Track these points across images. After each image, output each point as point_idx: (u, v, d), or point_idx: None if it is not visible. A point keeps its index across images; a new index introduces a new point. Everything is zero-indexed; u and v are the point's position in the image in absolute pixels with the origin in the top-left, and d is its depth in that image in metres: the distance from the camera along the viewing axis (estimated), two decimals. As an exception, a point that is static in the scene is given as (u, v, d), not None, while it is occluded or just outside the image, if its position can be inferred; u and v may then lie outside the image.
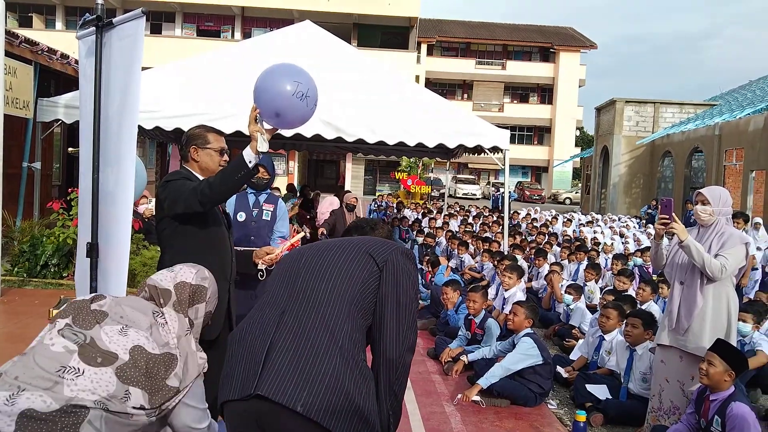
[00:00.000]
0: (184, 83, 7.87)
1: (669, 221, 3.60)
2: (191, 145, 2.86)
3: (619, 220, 17.53)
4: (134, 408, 1.77)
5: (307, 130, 7.42)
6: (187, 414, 1.96)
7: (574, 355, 5.36)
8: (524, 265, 8.04)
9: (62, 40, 20.34)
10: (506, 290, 6.40)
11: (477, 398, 4.47)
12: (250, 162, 2.61)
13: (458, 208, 18.69)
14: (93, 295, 2.00)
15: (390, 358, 1.89)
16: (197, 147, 2.85)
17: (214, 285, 2.20)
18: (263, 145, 2.59)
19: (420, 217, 16.01)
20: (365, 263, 1.93)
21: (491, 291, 7.31)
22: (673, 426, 3.46)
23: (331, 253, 1.97)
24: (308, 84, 2.71)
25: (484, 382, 4.44)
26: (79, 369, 1.74)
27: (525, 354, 4.46)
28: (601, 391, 4.43)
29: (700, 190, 3.79)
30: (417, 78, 34.69)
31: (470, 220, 15.65)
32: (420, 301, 7.47)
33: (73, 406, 1.68)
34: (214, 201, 2.65)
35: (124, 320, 1.90)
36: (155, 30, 32.09)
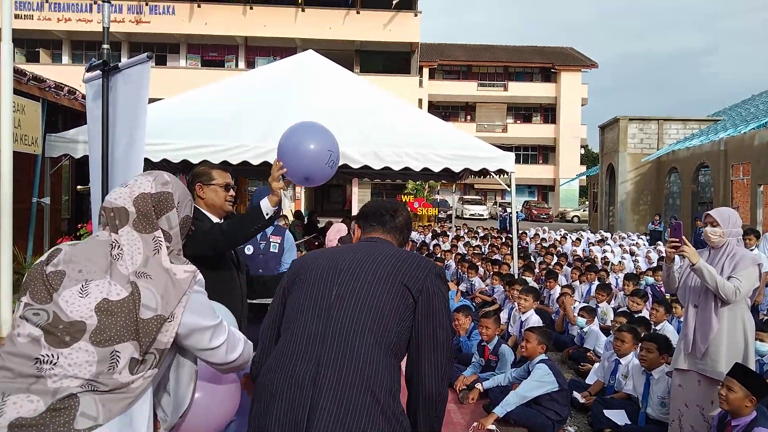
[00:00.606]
0: (190, 115, 7.93)
1: (679, 244, 3.57)
2: (196, 183, 2.86)
3: (628, 237, 17.44)
4: (129, 373, 1.62)
5: (313, 159, 7.44)
6: (193, 337, 1.78)
7: (590, 380, 5.29)
8: (535, 287, 7.98)
9: (69, 73, 20.65)
10: (523, 313, 6.35)
11: (492, 427, 4.40)
12: (267, 214, 2.62)
13: (466, 230, 18.64)
14: (49, 252, 1.76)
15: (429, 393, 1.84)
16: (202, 184, 2.86)
17: (181, 187, 1.93)
18: (285, 202, 2.61)
19: (428, 240, 15.99)
20: (401, 297, 1.83)
21: (503, 315, 7.24)
22: None
23: (364, 283, 1.83)
24: (337, 150, 2.82)
25: (499, 410, 4.37)
26: (52, 356, 1.59)
27: (540, 381, 4.40)
28: (619, 417, 4.35)
29: (709, 212, 3.76)
30: (420, 102, 34.98)
31: (478, 241, 15.61)
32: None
33: (59, 400, 1.56)
34: (226, 248, 2.65)
35: (83, 274, 1.68)
36: (160, 61, 32.53)
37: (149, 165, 8.14)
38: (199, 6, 30.43)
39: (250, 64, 31.47)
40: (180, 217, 1.87)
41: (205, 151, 7.00)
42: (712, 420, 3.60)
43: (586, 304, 7.36)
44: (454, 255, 11.83)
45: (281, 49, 30.53)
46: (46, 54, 33.28)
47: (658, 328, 5.82)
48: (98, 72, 2.69)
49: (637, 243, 15.27)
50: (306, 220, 13.92)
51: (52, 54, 33.55)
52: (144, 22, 30.84)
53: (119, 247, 1.73)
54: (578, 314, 6.55)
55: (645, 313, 6.32)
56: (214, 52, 33.23)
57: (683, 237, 3.59)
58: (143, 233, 1.77)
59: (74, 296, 1.64)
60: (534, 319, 6.26)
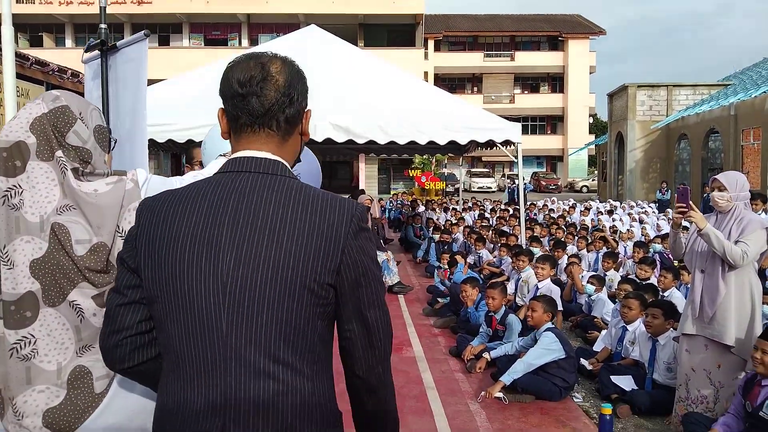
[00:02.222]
0: (194, 95, 7.92)
1: (686, 209, 3.56)
2: (186, 165, 2.91)
3: (637, 205, 17.35)
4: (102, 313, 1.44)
5: (318, 135, 7.44)
6: None
7: (597, 347, 5.32)
8: (551, 255, 7.98)
9: (73, 56, 20.60)
10: (539, 281, 6.40)
11: (500, 395, 4.46)
12: None
13: (472, 204, 18.60)
14: None
15: (368, 383, 1.39)
16: (190, 165, 2.90)
17: (76, 98, 1.69)
18: None
19: (440, 213, 15.98)
20: (309, 294, 1.22)
21: (510, 285, 7.28)
22: (721, 418, 3.41)
23: (258, 277, 1.21)
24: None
25: (506, 378, 4.42)
26: (26, 339, 1.51)
27: (547, 349, 4.43)
28: (626, 382, 4.39)
29: (716, 176, 3.73)
30: (425, 74, 34.63)
31: (486, 214, 15.59)
32: (439, 300, 7.47)
33: (73, 377, 1.52)
34: None
35: (2, 240, 1.53)
36: (163, 42, 32.37)
37: (154, 145, 8.18)
38: (200, -16, 30.15)
39: (254, 42, 31.24)
40: (90, 128, 1.66)
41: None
42: (719, 384, 3.63)
43: (595, 273, 7.37)
44: (462, 228, 11.83)
45: (284, 25, 30.26)
46: (49, 38, 33.18)
47: (666, 294, 5.83)
48: (97, 52, 2.70)
49: (646, 211, 15.19)
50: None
51: (55, 38, 33.45)
52: (146, 3, 30.63)
53: (19, 193, 1.52)
54: (587, 282, 6.57)
55: (653, 281, 6.33)
56: (216, 31, 33.00)
57: (690, 202, 3.58)
58: (50, 161, 1.56)
59: (5, 272, 1.52)
60: (553, 290, 6.30)
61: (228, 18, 31.87)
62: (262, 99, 1.29)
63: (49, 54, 20.74)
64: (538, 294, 6.14)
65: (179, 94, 8.08)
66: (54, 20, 32.21)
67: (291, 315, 1.21)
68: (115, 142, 1.93)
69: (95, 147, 1.67)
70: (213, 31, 32.96)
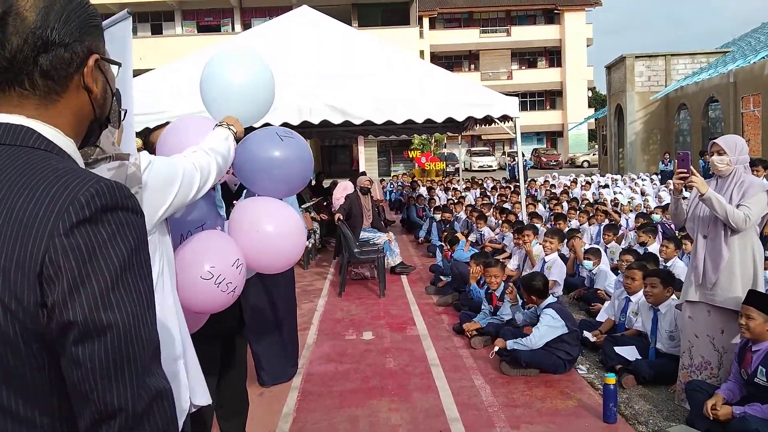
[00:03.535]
0: (186, 82, 7.85)
1: (687, 175, 3.52)
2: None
3: (638, 178, 17.28)
4: None
5: (314, 117, 7.38)
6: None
7: (600, 317, 5.32)
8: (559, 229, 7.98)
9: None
10: (547, 255, 6.42)
11: (496, 348, 4.57)
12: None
13: (471, 184, 18.55)
14: None
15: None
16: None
17: None
18: None
19: (442, 192, 15.93)
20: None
21: (513, 261, 7.27)
22: (724, 384, 3.42)
23: None
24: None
25: (510, 343, 4.46)
26: None
27: (549, 326, 4.42)
28: (630, 353, 4.39)
29: (715, 140, 3.69)
30: (421, 53, 34.35)
31: (488, 192, 15.55)
32: (442, 278, 7.46)
33: None
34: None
35: None
36: (156, 30, 32.10)
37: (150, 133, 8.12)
38: (190, -30, 29.82)
39: (246, 26, 30.93)
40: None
41: (204, 116, 6.96)
42: (722, 349, 3.62)
43: (592, 246, 7.36)
44: (464, 207, 11.80)
45: (277, 8, 29.92)
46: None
47: (668, 264, 5.82)
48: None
49: (646, 183, 15.15)
50: (314, 181, 13.92)
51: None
52: (136, -9, 30.30)
53: None
54: (583, 258, 6.56)
55: (654, 250, 6.31)
56: (209, 17, 32.70)
57: (691, 167, 3.54)
58: None
59: None
60: (558, 262, 6.30)
61: (220, 3, 31.56)
62: (4, 45, 0.93)
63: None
64: (544, 268, 6.16)
65: (170, 81, 8.01)
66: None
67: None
68: (125, 113, 1.90)
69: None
70: (205, 17, 32.66)
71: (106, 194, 0.88)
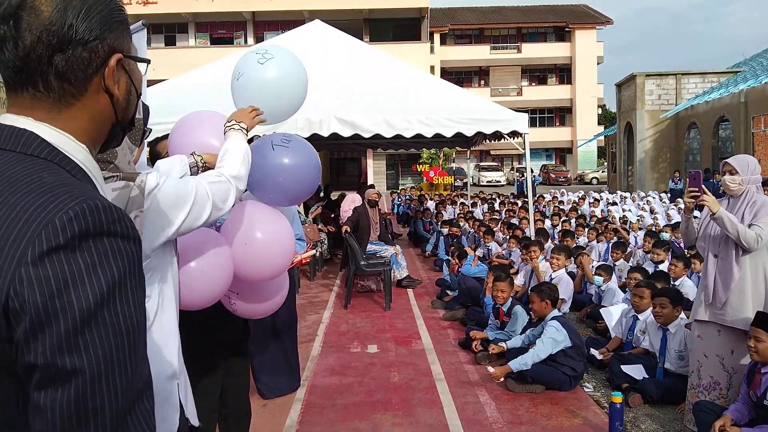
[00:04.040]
0: (199, 92, 7.92)
1: (698, 193, 3.51)
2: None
3: (647, 195, 17.21)
4: None
5: (324, 130, 7.42)
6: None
7: (608, 319, 5.31)
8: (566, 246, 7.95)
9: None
10: (554, 271, 6.40)
11: (501, 380, 4.48)
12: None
13: (479, 199, 18.53)
14: None
15: None
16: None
17: None
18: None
19: (443, 205, 15.91)
20: None
21: (520, 276, 7.23)
22: (732, 405, 3.37)
23: None
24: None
25: (514, 365, 4.41)
26: None
27: (552, 339, 4.39)
28: (637, 371, 4.34)
29: (727, 160, 3.68)
30: (432, 68, 34.52)
31: (496, 207, 15.51)
32: (448, 293, 7.43)
33: None
34: None
35: None
36: (169, 42, 32.45)
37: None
38: (205, -17, 30.18)
39: (259, 40, 31.20)
40: None
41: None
42: (731, 370, 3.58)
43: (603, 263, 7.32)
44: (472, 222, 11.77)
45: (289, 22, 30.23)
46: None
47: (677, 283, 5.77)
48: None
49: (655, 201, 15.07)
50: (322, 192, 13.95)
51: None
52: (151, 3, 30.68)
53: None
54: (595, 273, 6.52)
55: (664, 267, 6.28)
56: (222, 30, 33.03)
57: (702, 186, 3.52)
58: None
59: None
60: (564, 279, 6.27)
61: (233, 16, 31.89)
62: (17, 43, 0.84)
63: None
64: (553, 282, 6.13)
65: (184, 91, 8.08)
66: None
67: None
68: (149, 132, 1.87)
69: (124, 143, 1.57)
70: (219, 29, 33.00)
71: (88, 217, 0.77)
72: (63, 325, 0.74)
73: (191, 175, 2.07)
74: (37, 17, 0.84)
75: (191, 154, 2.16)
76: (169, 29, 32.34)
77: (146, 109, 1.45)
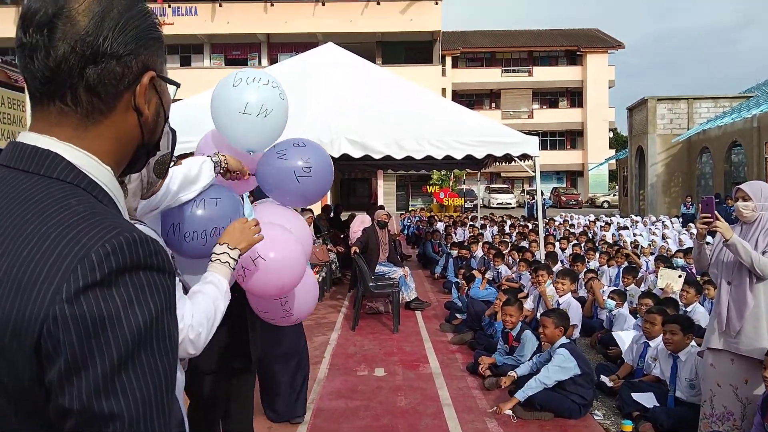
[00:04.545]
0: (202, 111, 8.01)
1: (711, 220, 3.47)
2: None
3: (659, 220, 17.09)
4: None
5: (335, 151, 7.45)
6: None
7: (620, 343, 5.22)
8: (572, 270, 7.87)
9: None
10: (560, 296, 6.31)
11: (509, 412, 4.38)
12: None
13: (490, 221, 18.47)
14: None
15: None
16: None
17: None
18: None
19: (453, 227, 15.87)
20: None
21: (529, 301, 7.16)
22: None
23: None
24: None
25: (520, 395, 4.33)
26: None
27: (560, 366, 4.32)
28: (647, 399, 4.26)
29: (740, 186, 3.64)
30: (443, 91, 34.71)
31: (507, 229, 15.45)
32: (457, 316, 7.37)
33: None
34: None
35: None
36: (185, 62, 32.92)
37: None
38: (220, 5, 30.68)
39: (273, 61, 31.61)
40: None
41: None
42: (746, 400, 3.50)
43: (616, 288, 7.24)
44: (481, 244, 11.72)
45: (303, 44, 30.60)
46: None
47: (688, 309, 5.69)
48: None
49: (667, 226, 14.95)
50: (332, 213, 13.99)
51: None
52: (167, 24, 31.17)
53: None
54: (608, 297, 6.45)
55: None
56: (237, 51, 33.47)
57: (715, 212, 3.49)
58: None
59: None
60: (573, 304, 6.19)
61: (248, 38, 32.34)
62: (49, 52, 0.81)
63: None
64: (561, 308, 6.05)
65: (198, 111, 8.16)
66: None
67: None
68: (174, 162, 1.88)
69: (137, 182, 1.54)
70: (233, 50, 33.44)
71: (125, 251, 0.73)
72: (100, 367, 0.70)
73: (215, 174, 2.14)
74: (73, 27, 0.81)
75: (215, 153, 2.19)
76: (184, 50, 32.82)
77: (174, 135, 1.42)
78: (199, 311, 1.62)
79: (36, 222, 0.74)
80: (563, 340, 4.55)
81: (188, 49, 33.04)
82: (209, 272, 1.76)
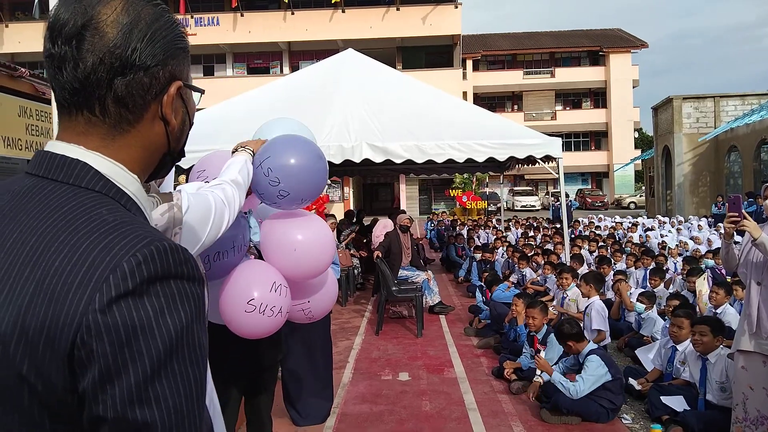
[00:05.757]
0: (235, 120, 8.09)
1: (739, 219, 3.40)
2: None
3: (687, 221, 16.79)
4: None
5: (356, 156, 7.47)
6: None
7: (646, 363, 5.11)
8: (597, 273, 7.76)
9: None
10: (585, 299, 6.21)
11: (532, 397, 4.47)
12: None
13: (514, 222, 18.35)
14: None
15: None
16: None
17: None
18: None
19: (473, 230, 15.79)
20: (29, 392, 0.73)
21: (555, 304, 7.09)
22: None
23: None
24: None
25: (556, 376, 4.32)
26: None
27: (594, 375, 4.25)
28: (677, 403, 4.18)
29: (768, 184, 3.57)
30: (464, 94, 34.60)
31: (531, 232, 15.33)
32: (481, 320, 7.32)
33: None
34: None
35: None
36: (207, 72, 33.35)
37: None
38: (242, 15, 31.05)
39: (295, 68, 31.83)
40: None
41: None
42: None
43: (644, 290, 7.12)
44: (506, 246, 11.64)
45: (324, 51, 30.81)
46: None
47: (718, 311, 5.57)
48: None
49: (701, 226, 14.68)
50: (354, 218, 14.01)
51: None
52: (191, 35, 31.30)
53: None
54: (637, 300, 6.35)
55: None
56: (259, 60, 33.82)
57: (743, 211, 3.42)
58: None
59: None
60: (597, 308, 6.08)
61: (269, 47, 32.65)
62: (78, 64, 0.81)
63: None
64: (585, 313, 5.97)
65: (220, 119, 8.27)
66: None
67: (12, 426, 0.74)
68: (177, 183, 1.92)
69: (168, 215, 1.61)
70: (255, 59, 33.79)
71: (156, 260, 0.74)
72: (133, 376, 0.70)
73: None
74: (101, 39, 0.81)
75: (242, 147, 2.15)
76: (207, 60, 33.26)
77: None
78: (233, 168, 1.96)
79: (67, 232, 0.75)
80: (592, 345, 4.48)
81: (211, 59, 33.48)
82: (233, 157, 2.06)
